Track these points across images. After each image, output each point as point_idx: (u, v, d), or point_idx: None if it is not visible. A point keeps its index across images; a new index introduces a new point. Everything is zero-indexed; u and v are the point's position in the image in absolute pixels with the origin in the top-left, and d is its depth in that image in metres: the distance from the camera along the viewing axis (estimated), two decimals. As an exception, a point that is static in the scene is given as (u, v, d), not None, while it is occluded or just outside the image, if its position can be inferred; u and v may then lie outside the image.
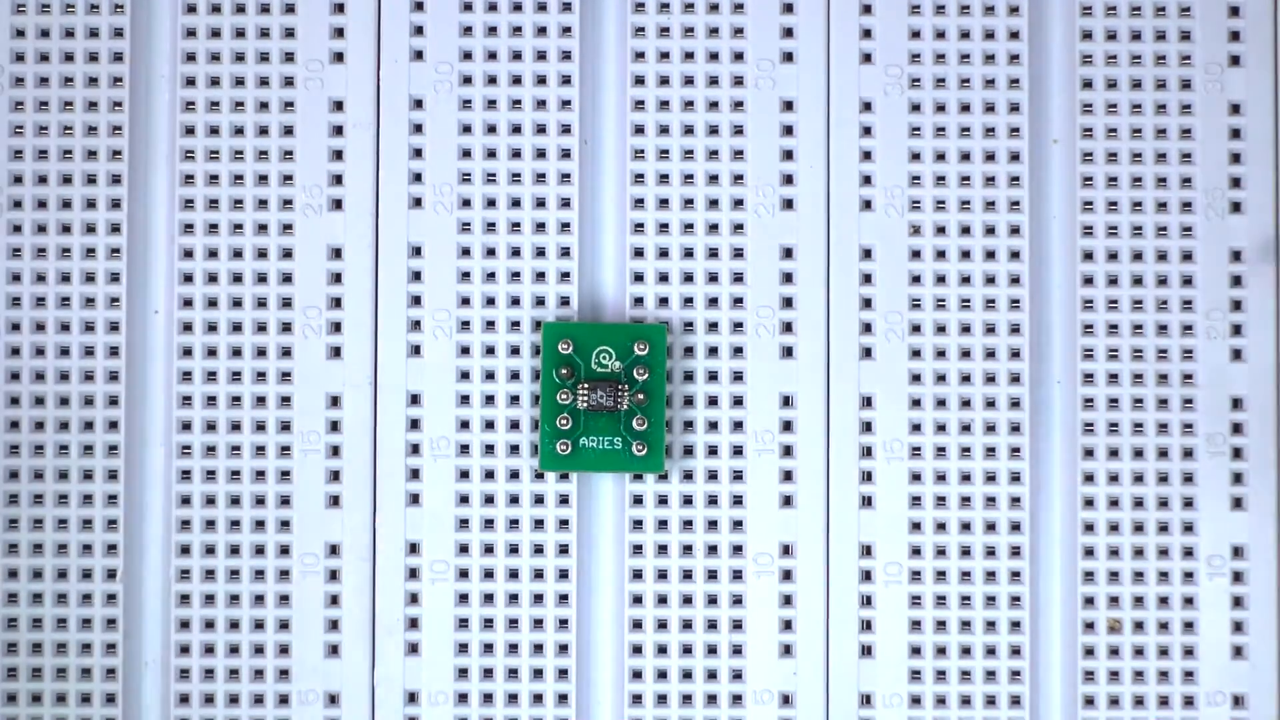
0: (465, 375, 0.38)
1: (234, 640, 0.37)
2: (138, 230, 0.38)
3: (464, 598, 0.37)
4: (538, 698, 0.37)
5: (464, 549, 0.37)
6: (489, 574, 0.37)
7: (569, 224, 0.38)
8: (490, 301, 0.38)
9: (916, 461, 0.38)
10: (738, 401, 0.38)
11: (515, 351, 0.38)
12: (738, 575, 0.37)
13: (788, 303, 0.38)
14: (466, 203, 0.38)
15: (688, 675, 0.37)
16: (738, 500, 0.38)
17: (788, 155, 0.38)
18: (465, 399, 0.38)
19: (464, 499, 0.38)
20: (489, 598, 0.37)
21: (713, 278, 0.38)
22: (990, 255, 0.38)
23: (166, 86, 0.38)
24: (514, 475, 0.38)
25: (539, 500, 0.38)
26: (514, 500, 0.38)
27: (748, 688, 0.37)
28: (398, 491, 0.38)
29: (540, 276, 0.38)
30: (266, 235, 0.38)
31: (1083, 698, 0.37)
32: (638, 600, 0.37)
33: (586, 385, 0.37)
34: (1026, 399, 0.38)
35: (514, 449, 0.38)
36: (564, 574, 0.37)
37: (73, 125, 0.38)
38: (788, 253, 0.38)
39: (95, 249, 0.38)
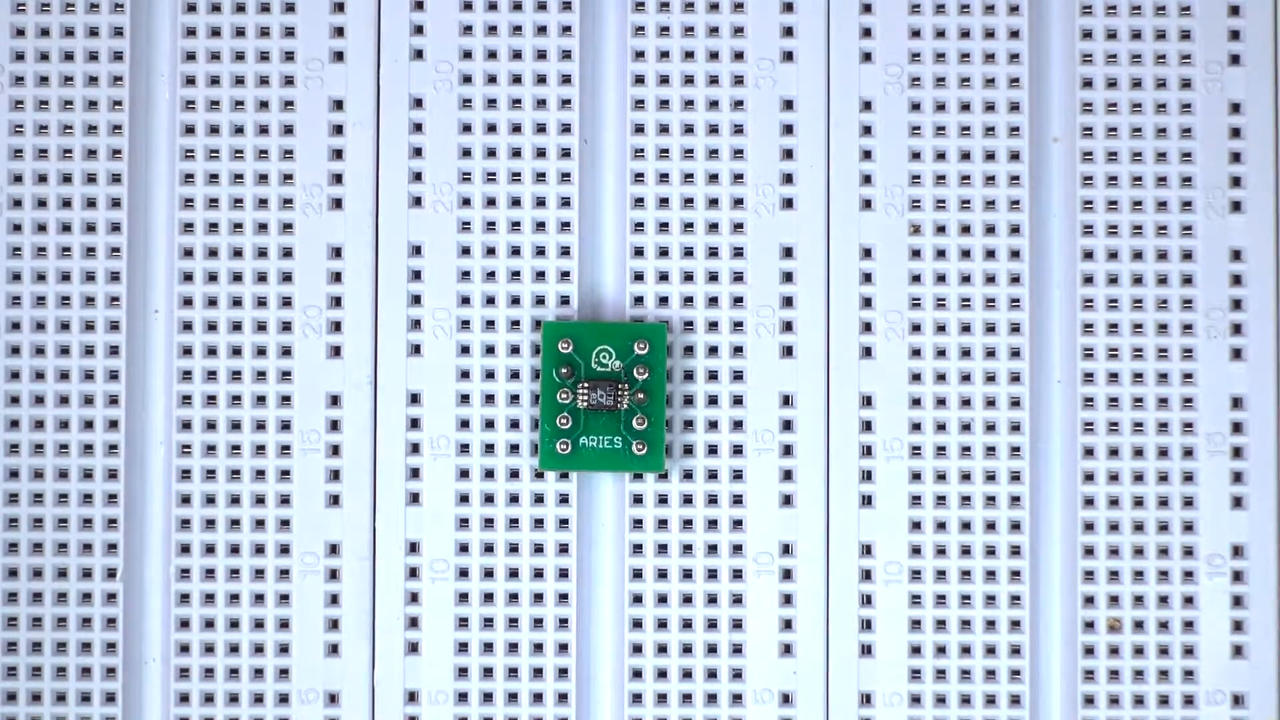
0: (465, 374, 0.38)
1: (234, 639, 0.37)
2: (138, 230, 0.38)
3: (464, 597, 0.37)
4: (538, 697, 0.37)
5: (464, 548, 0.37)
6: (489, 573, 0.37)
7: (569, 223, 0.38)
8: (490, 301, 0.38)
9: (916, 461, 0.38)
10: (738, 401, 0.38)
11: (515, 351, 0.38)
12: (738, 575, 0.37)
13: (788, 302, 0.38)
14: (466, 202, 0.38)
15: (688, 675, 0.37)
16: (738, 499, 0.38)
17: (788, 154, 0.38)
18: (465, 398, 0.38)
19: (464, 498, 0.38)
20: (489, 597, 0.37)
21: (713, 277, 0.38)
22: (990, 254, 0.38)
23: (166, 86, 0.38)
24: (514, 474, 0.38)
25: (539, 499, 0.38)
26: (514, 499, 0.38)
27: (748, 687, 0.37)
28: (398, 491, 0.38)
29: (540, 276, 0.38)
30: (266, 234, 0.38)
31: (1083, 697, 0.37)
32: (638, 600, 0.37)
33: (586, 384, 0.37)
34: (1026, 399, 0.38)
35: (514, 448, 0.38)
36: (564, 573, 0.37)
37: (73, 125, 0.38)
38: (788, 252, 0.38)
39: (95, 249, 0.38)
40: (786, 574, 0.37)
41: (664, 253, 0.38)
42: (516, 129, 0.38)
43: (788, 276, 0.38)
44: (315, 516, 0.37)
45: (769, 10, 0.38)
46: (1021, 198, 0.38)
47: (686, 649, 0.37)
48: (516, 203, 0.38)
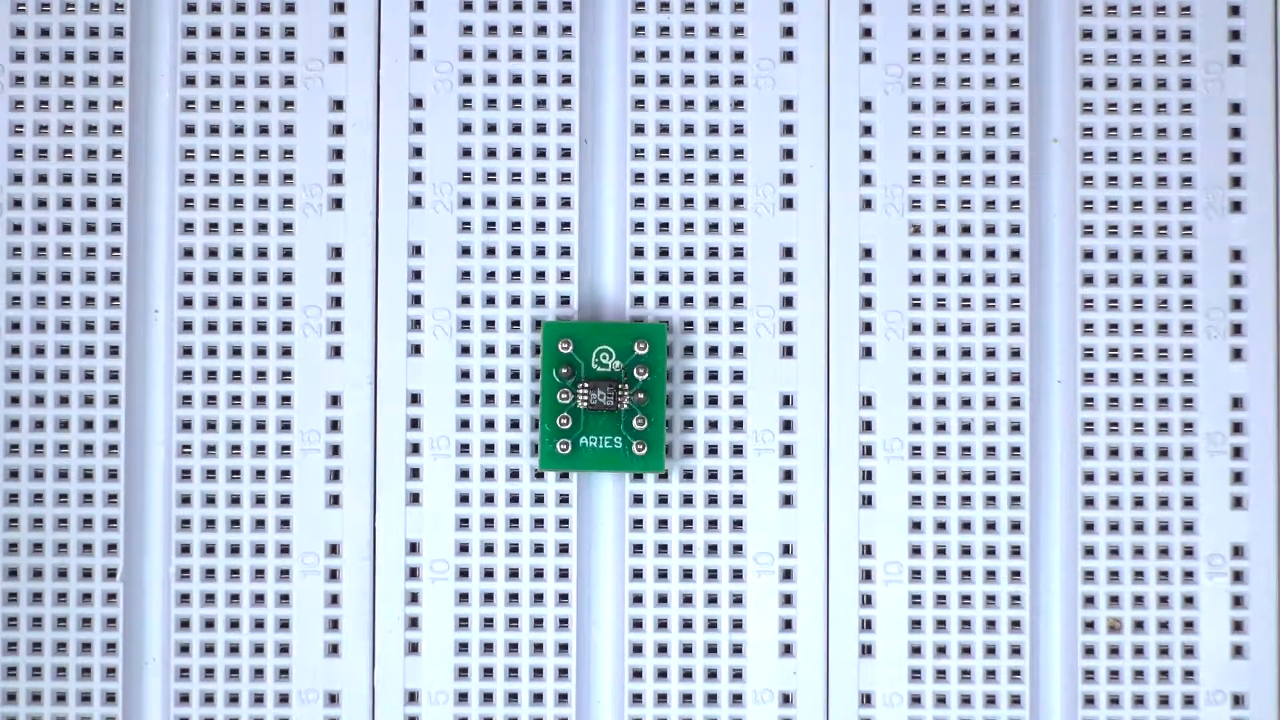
0: (465, 375, 0.38)
1: (234, 640, 0.37)
2: (138, 230, 0.38)
3: (464, 597, 0.37)
4: (538, 698, 0.37)
5: (464, 548, 0.37)
6: (489, 573, 0.37)
7: (569, 223, 0.38)
8: (490, 301, 0.38)
9: (916, 461, 0.38)
10: (738, 401, 0.38)
11: (515, 351, 0.38)
12: (738, 575, 0.37)
13: (788, 302, 0.38)
14: (466, 202, 0.38)
15: (688, 675, 0.37)
16: (738, 500, 0.38)
17: (788, 154, 0.38)
18: (465, 398, 0.38)
19: (464, 498, 0.38)
20: (489, 597, 0.37)
21: (713, 277, 0.38)
22: (990, 254, 0.38)
23: (166, 86, 0.38)
24: (514, 475, 0.38)
25: (539, 500, 0.38)
26: (514, 500, 0.38)
27: (748, 687, 0.37)
28: (398, 491, 0.38)
29: (540, 276, 0.38)
30: (266, 235, 0.38)
31: (1083, 697, 0.37)
32: (638, 600, 0.37)
33: (586, 384, 0.37)
34: (1026, 399, 0.38)
35: (514, 448, 0.38)
36: (564, 573, 0.37)
37: (73, 125, 0.38)
38: (788, 252, 0.38)
39: (95, 249, 0.38)
40: (786, 574, 0.37)
41: (664, 253, 0.38)
42: (516, 129, 0.38)
43: (788, 276, 0.38)
44: (315, 516, 0.37)
45: (769, 10, 0.38)
46: (1021, 198, 0.38)
47: (686, 649, 0.37)
48: (516, 203, 0.38)
